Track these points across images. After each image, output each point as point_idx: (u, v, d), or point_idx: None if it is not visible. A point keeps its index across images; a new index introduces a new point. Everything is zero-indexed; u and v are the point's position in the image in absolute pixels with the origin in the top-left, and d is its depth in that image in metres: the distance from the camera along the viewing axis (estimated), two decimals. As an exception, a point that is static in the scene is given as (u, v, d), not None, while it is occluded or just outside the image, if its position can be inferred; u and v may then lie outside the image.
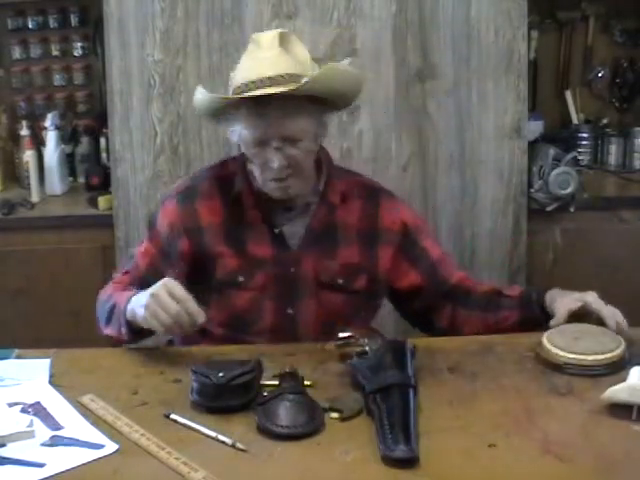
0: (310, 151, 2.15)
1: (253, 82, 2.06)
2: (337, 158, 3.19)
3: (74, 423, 1.77)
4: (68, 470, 1.61)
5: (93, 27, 3.79)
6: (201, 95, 2.18)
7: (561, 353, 1.97)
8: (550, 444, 1.66)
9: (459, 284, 2.32)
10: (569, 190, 3.37)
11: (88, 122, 3.88)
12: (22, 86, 3.88)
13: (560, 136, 3.80)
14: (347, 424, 1.76)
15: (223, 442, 1.69)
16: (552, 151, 3.46)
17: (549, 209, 3.42)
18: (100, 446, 1.68)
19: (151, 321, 1.96)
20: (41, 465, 1.62)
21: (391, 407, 1.73)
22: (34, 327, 3.24)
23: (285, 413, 1.74)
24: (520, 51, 3.28)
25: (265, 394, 1.81)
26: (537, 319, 2.18)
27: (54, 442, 1.70)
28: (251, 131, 2.10)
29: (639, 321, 2.15)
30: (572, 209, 3.42)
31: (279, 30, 2.14)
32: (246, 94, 2.05)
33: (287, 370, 1.88)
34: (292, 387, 1.81)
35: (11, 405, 1.85)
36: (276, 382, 1.86)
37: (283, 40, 2.11)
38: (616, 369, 1.93)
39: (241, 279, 2.23)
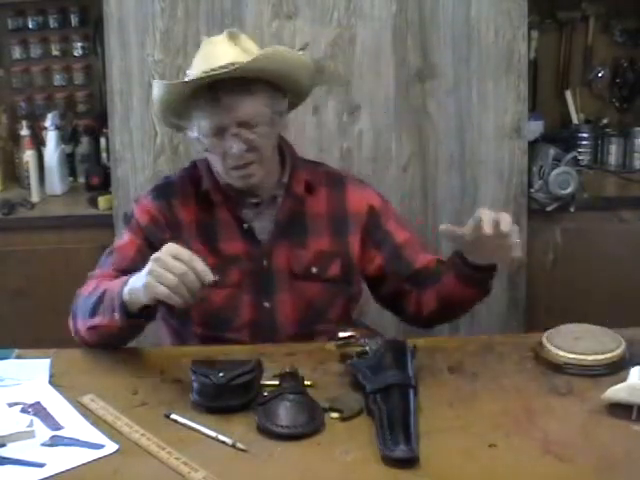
0: (268, 136, 2.18)
1: (205, 72, 2.11)
2: (337, 158, 3.23)
3: (74, 423, 1.77)
4: (68, 470, 1.61)
5: (93, 27, 3.79)
6: (157, 88, 2.20)
7: (561, 353, 1.97)
8: (550, 444, 1.66)
9: (425, 268, 2.28)
10: (569, 190, 3.37)
11: (88, 122, 3.89)
12: (22, 86, 3.89)
13: (560, 136, 3.80)
14: (347, 424, 1.76)
15: (223, 442, 1.69)
16: (552, 151, 3.46)
17: (549, 209, 3.42)
18: (100, 446, 1.68)
19: (155, 286, 1.85)
20: (41, 465, 1.62)
21: (391, 407, 1.73)
22: (34, 327, 3.25)
23: (285, 413, 1.74)
24: (520, 51, 3.28)
25: (265, 394, 1.80)
26: (464, 272, 2.12)
27: (54, 442, 1.70)
28: (208, 120, 2.15)
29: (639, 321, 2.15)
30: (572, 209, 3.42)
31: (228, 30, 2.21)
32: (198, 76, 2.12)
33: (287, 370, 1.88)
34: (292, 387, 1.81)
35: (11, 405, 1.85)
36: (276, 382, 1.86)
37: (232, 37, 2.18)
38: (616, 369, 1.93)
39: (216, 277, 2.21)
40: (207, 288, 1.92)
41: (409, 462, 1.60)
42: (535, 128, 3.64)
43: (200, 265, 1.87)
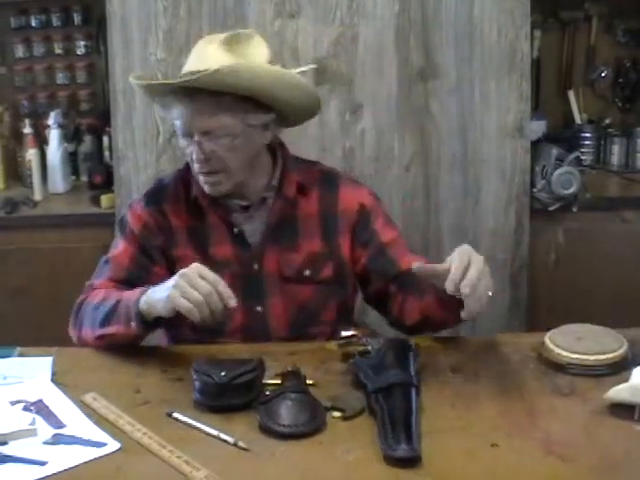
0: (234, 149, 2.14)
1: (186, 73, 2.10)
2: (339, 157, 3.24)
3: (76, 421, 1.77)
4: (70, 468, 1.61)
5: (96, 26, 3.78)
6: (133, 84, 2.23)
7: (564, 353, 1.97)
8: (552, 444, 1.66)
9: (409, 270, 2.16)
10: (572, 190, 3.37)
11: (91, 121, 3.89)
12: (25, 84, 3.89)
13: (563, 136, 3.80)
14: (349, 423, 1.76)
15: (225, 441, 1.69)
16: (555, 151, 3.46)
17: (551, 209, 3.42)
18: (102, 444, 1.69)
19: (179, 299, 1.89)
20: (43, 463, 1.62)
21: (393, 406, 1.73)
22: (36, 326, 3.24)
23: (287, 412, 1.74)
24: (523, 50, 3.28)
25: (267, 393, 1.81)
26: (442, 295, 2.01)
27: (56, 440, 1.71)
28: (179, 121, 2.15)
29: (642, 321, 2.15)
30: (575, 209, 3.42)
31: (237, 31, 2.19)
32: (157, 81, 2.16)
33: (289, 369, 1.88)
34: (294, 386, 1.81)
35: (13, 403, 1.85)
36: (278, 381, 1.86)
37: (229, 41, 2.14)
38: (618, 369, 1.93)
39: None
40: (228, 311, 1.95)
41: (411, 462, 1.60)
42: (538, 128, 3.64)
43: (224, 288, 1.92)
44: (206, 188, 2.19)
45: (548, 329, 2.08)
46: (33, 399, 1.86)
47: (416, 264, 1.98)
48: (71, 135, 3.85)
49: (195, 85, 2.06)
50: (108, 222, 3.30)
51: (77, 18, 3.82)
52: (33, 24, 3.82)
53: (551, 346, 2.00)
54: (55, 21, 3.82)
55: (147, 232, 2.25)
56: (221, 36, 2.16)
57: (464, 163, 3.35)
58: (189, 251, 2.23)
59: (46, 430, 1.74)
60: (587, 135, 3.86)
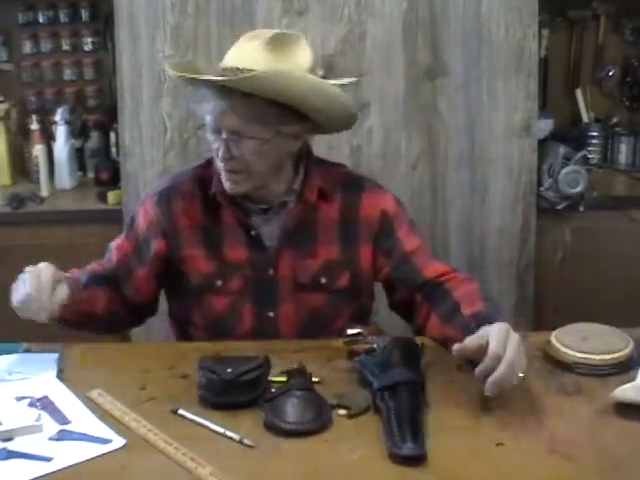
0: (260, 153, 2.09)
1: (225, 69, 2.07)
2: (347, 155, 3.23)
3: (82, 418, 1.78)
4: (75, 464, 1.62)
5: (103, 22, 3.79)
6: (169, 72, 2.20)
7: (570, 352, 1.97)
8: (557, 443, 1.66)
9: (436, 279, 2.20)
10: (579, 189, 3.37)
11: (98, 117, 3.90)
12: (32, 81, 3.89)
13: (570, 135, 3.80)
14: (355, 421, 1.77)
15: (230, 438, 1.69)
16: (562, 150, 3.45)
17: (559, 208, 3.42)
18: (107, 441, 1.69)
19: (13, 293, 1.99)
20: (48, 459, 1.63)
21: (399, 405, 1.73)
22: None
23: (292, 409, 1.74)
24: (531, 49, 3.27)
25: (273, 390, 1.81)
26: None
27: (62, 436, 1.71)
28: (210, 115, 2.10)
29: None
30: (581, 208, 3.42)
31: (283, 31, 2.15)
32: (195, 76, 2.07)
33: (295, 366, 1.88)
34: (300, 384, 1.81)
35: (19, 399, 1.86)
36: (284, 378, 1.86)
37: (274, 41, 2.07)
38: (624, 369, 1.93)
39: (219, 283, 2.20)
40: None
41: (416, 460, 1.60)
42: (545, 126, 3.64)
43: (43, 298, 1.97)
44: (226, 185, 2.14)
45: (554, 328, 2.08)
46: (39, 395, 1.87)
47: (456, 346, 1.87)
48: (78, 131, 3.86)
49: (229, 85, 2.02)
50: (115, 218, 3.30)
51: (85, 14, 3.83)
52: (41, 20, 3.82)
53: (557, 345, 2.00)
54: (63, 17, 3.82)
55: (150, 232, 2.23)
56: (266, 34, 2.09)
57: (471, 161, 3.35)
58: (200, 251, 2.21)
59: (51, 426, 1.74)
60: (594, 134, 3.85)
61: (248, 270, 2.20)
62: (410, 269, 2.23)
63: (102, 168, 3.74)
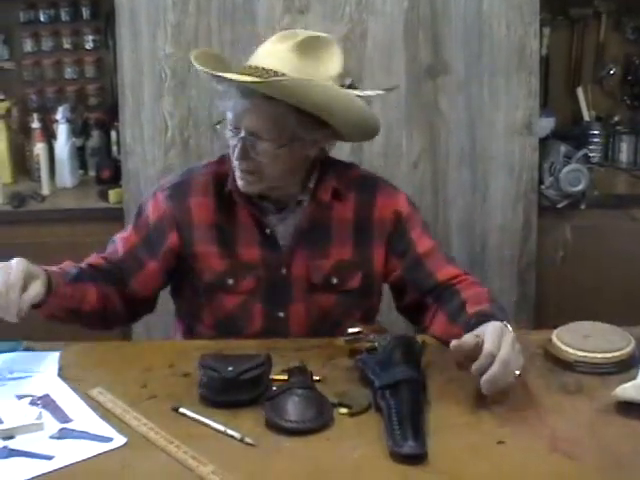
0: (274, 157, 2.07)
1: (252, 67, 2.04)
2: (348, 153, 3.22)
3: (83, 416, 1.78)
4: (76, 463, 1.61)
5: (104, 20, 3.79)
6: (196, 64, 2.12)
7: (571, 351, 1.97)
8: (558, 441, 1.66)
9: (447, 282, 2.20)
10: (580, 187, 3.37)
11: (99, 115, 3.90)
12: (33, 79, 3.90)
13: (571, 133, 3.80)
14: (356, 420, 1.76)
15: (231, 436, 1.69)
16: (563, 148, 3.46)
17: (559, 206, 3.42)
18: (108, 439, 1.69)
19: None
20: (50, 457, 1.63)
21: (400, 403, 1.73)
22: (43, 320, 3.24)
23: (294, 408, 1.74)
24: (532, 47, 3.27)
25: (274, 389, 1.81)
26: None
27: (63, 435, 1.71)
28: (231, 112, 2.07)
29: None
30: (583, 206, 3.43)
31: (316, 34, 2.11)
32: (219, 73, 2.03)
33: (296, 365, 1.88)
34: (301, 382, 1.81)
35: (20, 397, 1.86)
36: (285, 377, 1.86)
37: (309, 45, 2.05)
38: (625, 367, 1.92)
39: (230, 282, 2.19)
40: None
41: (417, 458, 1.60)
42: (546, 125, 3.64)
43: (10, 298, 1.92)
44: (239, 183, 2.13)
45: (555, 326, 2.08)
46: (40, 393, 1.87)
47: (454, 343, 1.86)
48: (79, 129, 3.87)
49: (252, 87, 2.00)
50: (116, 217, 3.30)
51: (86, 13, 3.83)
52: (42, 19, 3.83)
53: (558, 344, 2.00)
54: (64, 16, 3.83)
55: (161, 225, 2.21)
56: (298, 37, 2.06)
57: (472, 159, 3.35)
58: (213, 248, 2.19)
59: (52, 424, 1.74)
60: (595, 132, 3.86)
61: (261, 270, 2.19)
62: (423, 272, 2.22)
63: (103, 166, 3.74)
